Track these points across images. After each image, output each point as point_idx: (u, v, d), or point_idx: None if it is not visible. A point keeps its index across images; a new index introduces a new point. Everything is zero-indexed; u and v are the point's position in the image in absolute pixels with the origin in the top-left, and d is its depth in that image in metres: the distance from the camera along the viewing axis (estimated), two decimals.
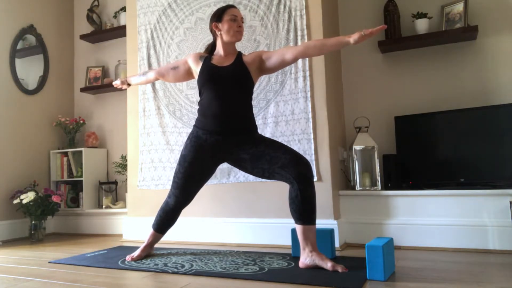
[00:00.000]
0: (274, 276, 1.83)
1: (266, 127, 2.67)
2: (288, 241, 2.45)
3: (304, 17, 2.61)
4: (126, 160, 3.44)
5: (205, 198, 2.80)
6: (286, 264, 2.05)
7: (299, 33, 2.62)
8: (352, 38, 1.88)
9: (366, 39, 1.88)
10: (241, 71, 2.13)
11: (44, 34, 3.83)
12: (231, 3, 2.83)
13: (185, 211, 2.42)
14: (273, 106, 2.67)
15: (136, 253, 2.31)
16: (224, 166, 2.72)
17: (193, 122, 2.84)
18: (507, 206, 2.22)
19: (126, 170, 3.44)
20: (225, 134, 2.11)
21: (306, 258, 1.93)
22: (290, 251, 2.35)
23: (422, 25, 2.71)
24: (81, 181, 3.62)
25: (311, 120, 2.55)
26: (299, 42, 2.61)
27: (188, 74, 2.32)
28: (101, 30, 3.86)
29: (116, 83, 2.59)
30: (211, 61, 2.19)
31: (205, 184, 2.29)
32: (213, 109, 2.11)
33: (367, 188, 2.64)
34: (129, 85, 2.59)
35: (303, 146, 2.56)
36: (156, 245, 2.52)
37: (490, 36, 2.66)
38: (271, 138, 2.38)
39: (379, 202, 2.54)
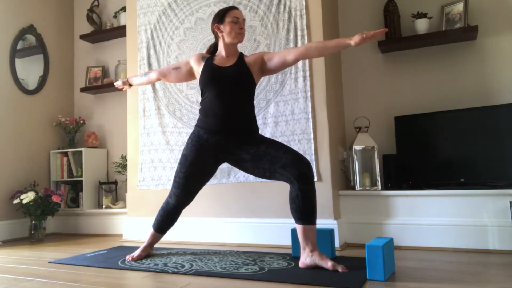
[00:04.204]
0: (274, 276, 1.83)
1: (266, 127, 2.67)
2: (288, 241, 2.45)
3: (304, 17, 2.61)
4: (126, 160, 3.44)
5: (205, 198, 2.80)
6: (286, 264, 2.05)
7: (299, 33, 2.62)
8: (353, 40, 1.88)
9: (367, 41, 1.88)
10: (243, 72, 2.14)
11: (44, 34, 3.83)
12: (231, 3, 2.83)
13: (185, 211, 2.42)
14: (273, 106, 2.67)
15: (136, 253, 2.32)
16: (224, 166, 2.72)
17: (193, 122, 2.85)
18: (507, 206, 2.22)
19: (126, 170, 3.44)
20: (227, 134, 2.11)
21: (306, 258, 1.93)
22: (290, 251, 2.35)
23: (422, 25, 2.72)
24: (81, 181, 3.61)
25: (311, 120, 2.55)
26: (299, 42, 2.61)
27: (190, 75, 2.32)
28: (101, 30, 3.86)
29: (118, 83, 2.59)
30: (213, 62, 2.19)
31: (205, 184, 2.30)
32: (214, 109, 2.11)
33: (367, 188, 2.64)
34: (130, 85, 2.59)
35: (303, 146, 2.56)
36: (156, 245, 2.52)
37: (490, 36, 2.66)
38: (271, 138, 2.38)
39: (379, 202, 2.54)
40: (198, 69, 2.25)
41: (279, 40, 2.68)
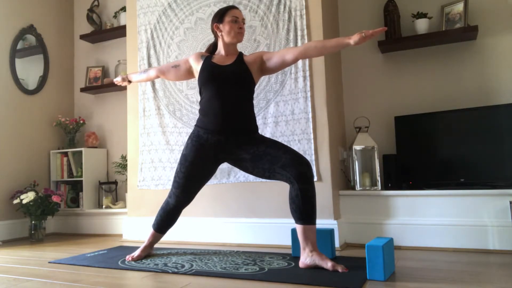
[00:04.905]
0: (274, 276, 1.83)
1: (266, 127, 2.67)
2: (288, 241, 2.45)
3: (304, 17, 2.61)
4: (126, 160, 3.44)
5: (205, 198, 2.80)
6: (286, 264, 2.05)
7: (299, 33, 2.62)
8: (352, 39, 1.88)
9: (366, 41, 1.88)
10: (242, 70, 2.14)
11: (44, 34, 3.83)
12: (231, 3, 2.83)
13: (185, 211, 2.42)
14: (273, 106, 2.67)
15: (136, 253, 2.31)
16: (224, 166, 2.72)
17: (193, 122, 2.85)
18: (507, 206, 2.22)
19: (126, 170, 3.44)
20: (227, 134, 2.11)
21: (306, 258, 1.93)
22: (290, 251, 2.35)
23: (422, 25, 2.72)
24: (81, 181, 3.61)
25: (311, 120, 2.55)
26: (299, 42, 2.61)
27: (189, 73, 2.33)
28: (101, 30, 3.86)
29: (117, 79, 2.59)
30: (212, 60, 2.19)
31: (205, 184, 2.29)
32: (214, 108, 2.11)
33: (367, 188, 2.64)
34: (129, 82, 2.59)
35: (303, 146, 2.56)
36: (156, 245, 2.52)
37: (490, 36, 2.66)
38: (271, 138, 2.38)
39: (379, 202, 2.54)
40: (197, 67, 2.24)
41: (279, 40, 2.68)
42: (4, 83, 3.47)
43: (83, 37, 3.91)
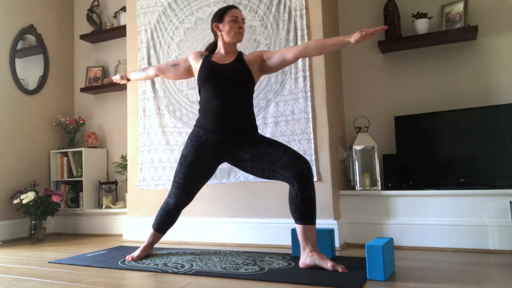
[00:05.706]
0: (274, 276, 1.83)
1: (266, 127, 2.67)
2: (288, 241, 2.45)
3: (304, 17, 2.61)
4: (126, 160, 3.44)
5: (205, 198, 2.80)
6: (286, 264, 2.05)
7: (299, 33, 2.62)
8: (353, 38, 1.88)
9: (366, 39, 1.88)
10: (242, 69, 2.13)
11: (44, 34, 3.83)
12: (231, 3, 2.83)
13: (185, 211, 2.42)
14: (273, 106, 2.67)
15: (136, 253, 2.31)
16: (224, 166, 2.72)
17: (193, 122, 2.85)
18: (507, 206, 2.22)
19: (126, 170, 3.44)
20: (226, 134, 2.11)
21: (306, 258, 1.93)
22: (290, 251, 2.35)
23: (422, 25, 2.72)
24: (81, 181, 3.61)
25: (311, 120, 2.55)
26: (299, 42, 2.61)
27: (188, 72, 2.32)
28: (101, 30, 3.86)
29: (116, 77, 2.59)
30: (212, 59, 2.19)
31: (205, 184, 2.29)
32: (213, 107, 2.11)
33: (367, 188, 2.64)
34: (128, 80, 2.59)
35: (303, 146, 2.56)
36: (156, 245, 2.52)
37: (490, 36, 2.66)
38: (271, 138, 2.38)
39: (379, 202, 2.54)
40: (196, 66, 2.24)
41: (279, 40, 2.68)
42: (4, 83, 3.47)
43: (83, 37, 3.91)
